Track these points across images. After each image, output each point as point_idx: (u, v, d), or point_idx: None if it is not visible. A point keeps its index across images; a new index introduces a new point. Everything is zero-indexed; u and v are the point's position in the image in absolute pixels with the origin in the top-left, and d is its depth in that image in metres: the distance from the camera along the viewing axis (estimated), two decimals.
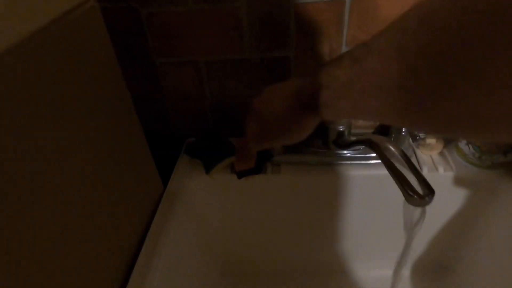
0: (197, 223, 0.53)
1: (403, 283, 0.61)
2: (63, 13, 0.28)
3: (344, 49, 0.46)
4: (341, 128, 0.47)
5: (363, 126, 0.54)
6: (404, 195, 0.33)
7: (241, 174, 0.50)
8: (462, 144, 0.48)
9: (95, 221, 0.32)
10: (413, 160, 0.49)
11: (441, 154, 0.51)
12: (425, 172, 0.49)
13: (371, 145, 0.39)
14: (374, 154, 0.42)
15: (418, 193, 0.32)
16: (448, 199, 0.51)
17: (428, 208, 0.35)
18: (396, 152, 0.38)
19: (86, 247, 0.31)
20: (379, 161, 0.37)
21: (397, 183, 0.34)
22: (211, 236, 0.57)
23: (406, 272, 0.62)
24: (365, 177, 0.50)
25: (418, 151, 0.51)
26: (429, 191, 0.32)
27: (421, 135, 0.52)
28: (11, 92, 0.23)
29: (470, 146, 0.46)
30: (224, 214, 0.56)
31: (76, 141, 0.30)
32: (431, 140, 0.51)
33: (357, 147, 0.49)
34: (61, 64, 0.28)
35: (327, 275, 0.63)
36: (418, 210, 0.35)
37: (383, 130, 0.52)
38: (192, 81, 0.51)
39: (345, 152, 0.50)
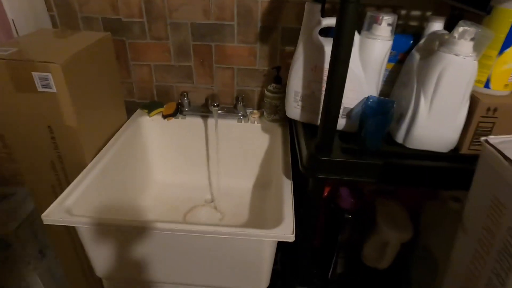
0: (141, 137, 1.09)
1: (248, 192, 1.16)
2: (97, 40, 0.86)
3: (214, 66, 1.05)
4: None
5: (226, 103, 1.12)
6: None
7: (165, 116, 1.07)
8: (265, 113, 1.07)
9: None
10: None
11: (259, 117, 1.09)
12: (249, 124, 1.07)
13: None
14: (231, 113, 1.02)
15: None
16: (260, 138, 1.08)
17: (254, 145, 0.99)
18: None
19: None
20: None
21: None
22: (150, 151, 1.13)
23: (250, 185, 1.18)
24: (223, 123, 1.07)
25: (249, 116, 1.10)
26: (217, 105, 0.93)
27: (252, 109, 1.11)
28: (81, 69, 0.80)
29: (265, 112, 1.05)
30: (157, 137, 1.12)
31: (103, 94, 0.87)
32: (255, 111, 1.10)
33: (220, 110, 1.08)
34: (95, 61, 0.85)
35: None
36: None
37: (235, 104, 1.10)
38: (147, 73, 1.09)
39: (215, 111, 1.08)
